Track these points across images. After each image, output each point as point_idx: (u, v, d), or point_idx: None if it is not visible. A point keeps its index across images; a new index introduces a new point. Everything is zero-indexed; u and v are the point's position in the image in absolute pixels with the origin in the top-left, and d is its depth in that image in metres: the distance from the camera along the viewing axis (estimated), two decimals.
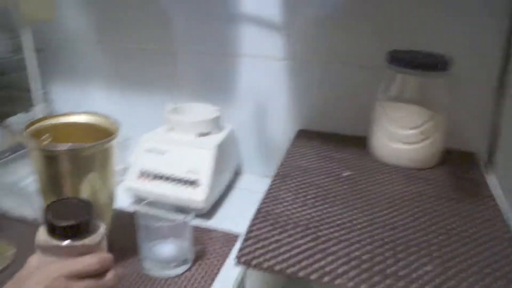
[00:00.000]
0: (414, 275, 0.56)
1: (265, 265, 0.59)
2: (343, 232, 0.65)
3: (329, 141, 0.95)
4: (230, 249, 0.81)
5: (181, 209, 0.77)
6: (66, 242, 0.58)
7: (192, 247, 0.78)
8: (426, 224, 0.67)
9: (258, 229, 0.65)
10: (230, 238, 0.84)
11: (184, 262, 0.76)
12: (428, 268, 0.58)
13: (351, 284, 0.56)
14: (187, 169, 0.90)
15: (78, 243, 0.59)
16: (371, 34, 0.91)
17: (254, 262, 0.60)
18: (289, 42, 0.97)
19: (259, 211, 0.70)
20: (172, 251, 0.76)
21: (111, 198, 0.77)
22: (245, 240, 0.63)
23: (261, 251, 0.61)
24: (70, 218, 0.59)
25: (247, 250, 0.61)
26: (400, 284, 0.55)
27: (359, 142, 0.93)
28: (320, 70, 0.97)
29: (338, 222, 0.67)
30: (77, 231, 0.59)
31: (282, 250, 0.61)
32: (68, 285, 0.52)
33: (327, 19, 0.93)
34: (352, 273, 0.57)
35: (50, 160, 0.68)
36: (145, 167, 0.92)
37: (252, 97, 1.04)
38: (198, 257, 0.79)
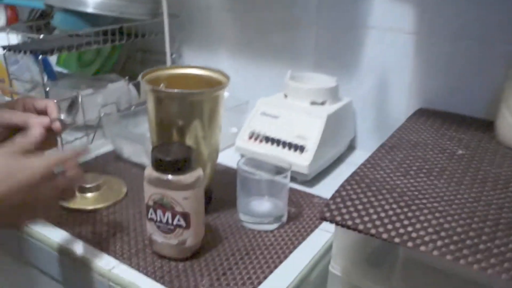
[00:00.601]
0: (510, 255, 0.51)
1: (349, 222, 0.57)
2: (441, 204, 0.60)
3: (450, 121, 0.87)
4: None
5: (282, 171, 0.77)
6: (165, 176, 0.65)
7: (287, 207, 0.78)
8: None
9: (350, 189, 0.63)
10: None
11: (277, 220, 0.77)
12: None
13: (436, 252, 0.52)
14: (296, 134, 0.90)
15: (176, 178, 0.65)
16: (507, 9, 0.82)
17: (338, 218, 0.58)
18: (419, 15, 0.92)
19: (354, 173, 0.68)
20: (267, 207, 0.77)
21: (214, 149, 0.79)
22: (333, 198, 0.62)
23: (348, 209, 0.59)
24: (171, 156, 0.66)
25: (333, 206, 0.60)
26: (492, 261, 0.50)
27: (484, 124, 0.85)
28: (449, 46, 0.90)
29: (438, 195, 0.62)
30: (176, 167, 0.66)
31: (369, 211, 0.58)
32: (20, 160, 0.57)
33: None
34: (439, 243, 0.53)
35: (160, 102, 0.72)
36: (256, 129, 0.94)
37: (375, 70, 1.00)
38: (293, 218, 0.79)
